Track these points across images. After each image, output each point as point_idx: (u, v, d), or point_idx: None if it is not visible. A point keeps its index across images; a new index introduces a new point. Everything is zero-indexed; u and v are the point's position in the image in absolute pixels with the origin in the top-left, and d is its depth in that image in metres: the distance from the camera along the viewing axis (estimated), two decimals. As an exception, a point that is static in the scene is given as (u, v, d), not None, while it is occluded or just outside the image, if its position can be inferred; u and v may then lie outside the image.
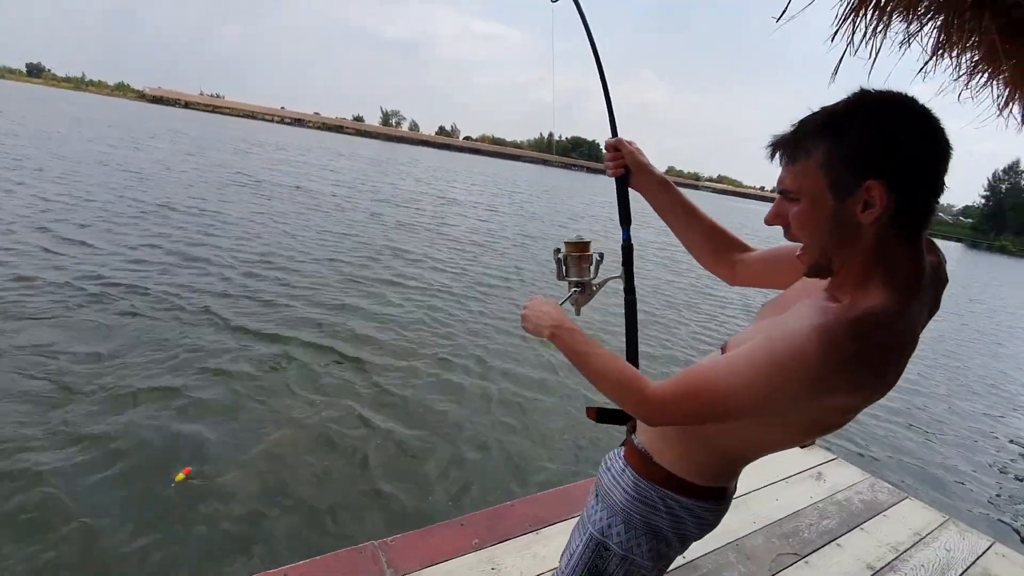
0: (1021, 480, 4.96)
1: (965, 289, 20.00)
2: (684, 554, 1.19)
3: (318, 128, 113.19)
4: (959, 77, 1.65)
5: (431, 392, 4.23)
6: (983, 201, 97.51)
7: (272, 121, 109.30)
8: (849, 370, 0.65)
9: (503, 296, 7.36)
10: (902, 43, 1.54)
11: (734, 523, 2.20)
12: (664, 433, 0.92)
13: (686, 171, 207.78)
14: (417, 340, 5.21)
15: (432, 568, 1.73)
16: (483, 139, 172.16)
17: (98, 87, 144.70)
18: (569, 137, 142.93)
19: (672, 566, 1.06)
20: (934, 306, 0.77)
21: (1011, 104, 1.70)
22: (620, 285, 1.14)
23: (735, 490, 0.98)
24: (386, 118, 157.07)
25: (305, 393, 3.87)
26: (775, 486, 2.52)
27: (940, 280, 0.77)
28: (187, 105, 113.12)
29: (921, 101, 0.67)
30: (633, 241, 1.14)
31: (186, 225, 8.38)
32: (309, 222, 10.31)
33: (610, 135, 1.14)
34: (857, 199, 0.67)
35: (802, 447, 2.89)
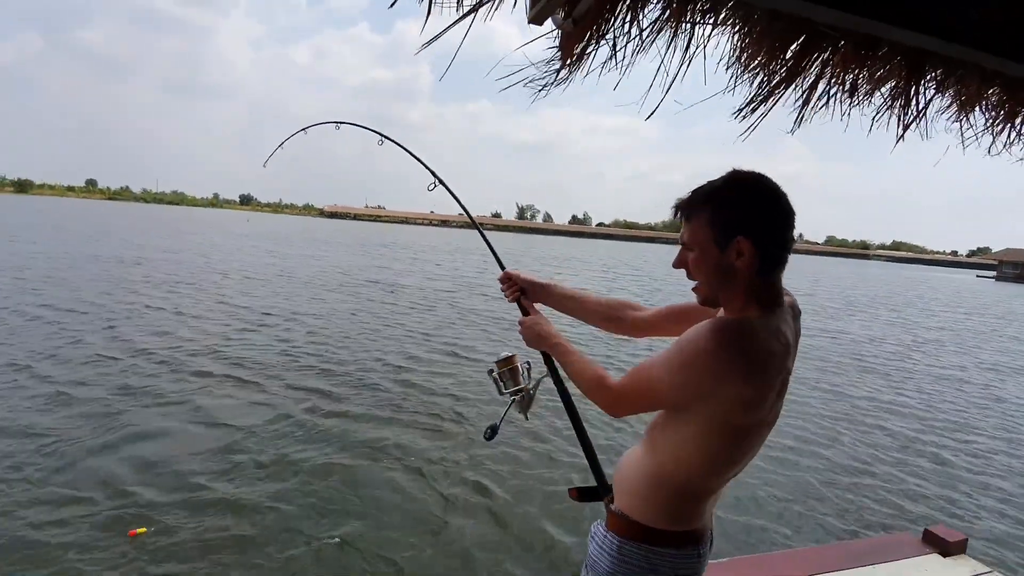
0: None
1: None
2: None
3: (461, 227, 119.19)
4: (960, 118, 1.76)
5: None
6: None
7: (422, 224, 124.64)
8: (738, 358, 0.93)
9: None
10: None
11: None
12: (632, 487, 1.12)
13: (851, 240, 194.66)
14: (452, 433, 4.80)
15: None
16: (615, 224, 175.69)
17: (290, 209, 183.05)
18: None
19: None
20: (797, 332, 1.08)
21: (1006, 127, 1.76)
22: (551, 380, 1.40)
23: (712, 537, 1.14)
24: (521, 212, 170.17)
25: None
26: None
27: (796, 312, 1.09)
28: (356, 217, 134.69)
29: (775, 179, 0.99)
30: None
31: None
32: (389, 317, 10.17)
33: (500, 271, 1.56)
34: (732, 250, 0.98)
35: (947, 557, 2.19)
